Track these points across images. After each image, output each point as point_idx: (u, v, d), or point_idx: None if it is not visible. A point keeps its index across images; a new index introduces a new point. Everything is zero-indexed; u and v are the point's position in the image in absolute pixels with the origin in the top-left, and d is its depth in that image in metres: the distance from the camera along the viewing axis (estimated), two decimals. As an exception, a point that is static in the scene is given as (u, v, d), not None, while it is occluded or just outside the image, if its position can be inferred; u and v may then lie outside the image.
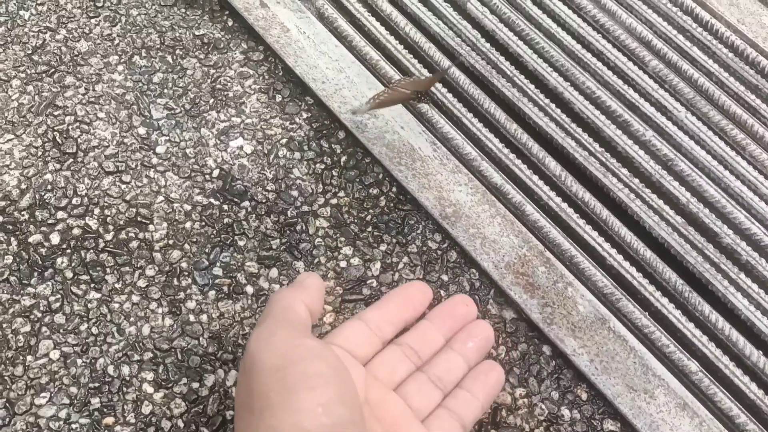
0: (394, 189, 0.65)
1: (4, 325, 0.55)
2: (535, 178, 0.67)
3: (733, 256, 0.64)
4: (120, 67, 0.68)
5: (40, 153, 0.62)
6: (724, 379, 0.58)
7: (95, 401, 0.53)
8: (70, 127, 0.64)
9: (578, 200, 0.66)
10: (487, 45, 0.74)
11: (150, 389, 0.54)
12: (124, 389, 0.54)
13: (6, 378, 0.53)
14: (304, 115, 0.68)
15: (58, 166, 0.62)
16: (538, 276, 0.61)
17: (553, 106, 0.71)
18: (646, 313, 0.60)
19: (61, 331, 0.55)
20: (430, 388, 0.42)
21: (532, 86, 0.72)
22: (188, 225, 0.61)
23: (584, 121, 0.71)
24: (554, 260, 0.62)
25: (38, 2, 0.70)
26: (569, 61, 0.74)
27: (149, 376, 0.55)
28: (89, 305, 0.57)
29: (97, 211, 0.60)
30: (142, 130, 0.65)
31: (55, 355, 0.54)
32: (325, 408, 0.32)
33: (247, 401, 0.34)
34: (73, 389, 0.53)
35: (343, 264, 0.61)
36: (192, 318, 0.57)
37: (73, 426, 0.52)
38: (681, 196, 0.66)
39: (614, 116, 0.71)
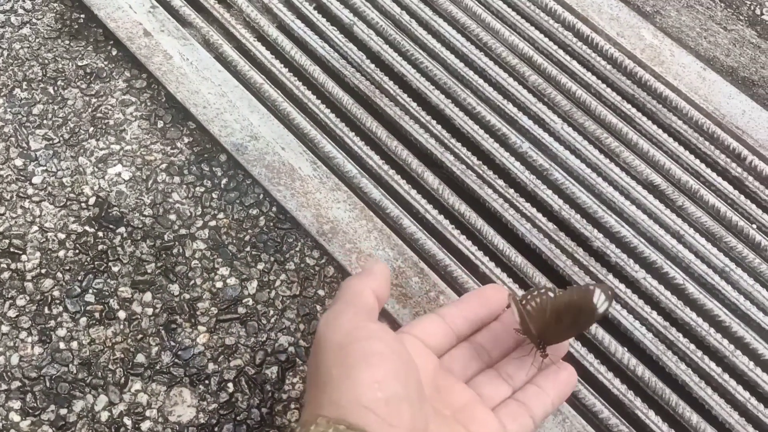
0: (273, 209, 0.66)
1: None
2: (414, 192, 0.68)
3: (603, 258, 0.66)
4: (0, 101, 0.68)
5: None
6: (589, 376, 0.59)
7: (-43, 434, 0.53)
8: (-57, 161, 0.64)
9: (455, 212, 0.68)
10: (372, 66, 0.77)
11: (17, 417, 0.54)
12: (-12, 420, 0.53)
13: None
14: (186, 140, 0.69)
15: (-71, 200, 0.62)
16: (411, 286, 0.62)
17: (434, 122, 0.73)
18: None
19: (-74, 365, 0.55)
20: (500, 382, 0.43)
21: (414, 104, 0.74)
22: (62, 253, 0.61)
23: (464, 136, 0.73)
24: (428, 270, 0.63)
25: None
26: (451, 79, 0.76)
27: (16, 404, 0.54)
28: (-45, 338, 0.56)
29: (-33, 243, 0.60)
30: (18, 162, 0.65)
31: None
32: (381, 384, 0.34)
33: (314, 376, 0.36)
34: (-65, 423, 0.53)
35: (219, 284, 0.61)
36: (62, 345, 0.57)
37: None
38: (554, 204, 0.69)
39: (493, 130, 0.73)
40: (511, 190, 0.69)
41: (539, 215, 0.68)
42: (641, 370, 0.59)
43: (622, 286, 0.64)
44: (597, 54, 0.80)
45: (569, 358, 0.60)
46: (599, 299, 0.41)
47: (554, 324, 0.42)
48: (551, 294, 0.43)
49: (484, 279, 0.64)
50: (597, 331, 0.61)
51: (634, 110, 0.76)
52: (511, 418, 0.40)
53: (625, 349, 0.61)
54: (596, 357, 0.60)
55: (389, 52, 0.78)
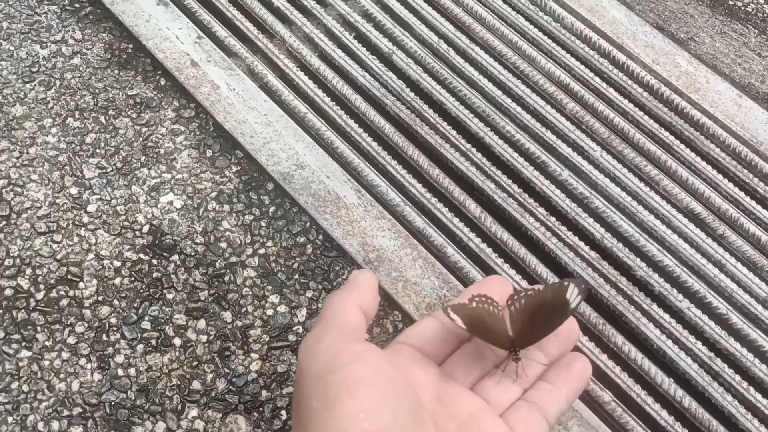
0: (320, 237, 0.68)
1: (-67, 388, 0.56)
2: (456, 220, 0.70)
3: (646, 288, 0.67)
4: (54, 130, 0.70)
5: (-28, 217, 0.64)
6: (636, 407, 0.60)
7: (22, 460, 0.54)
8: (3, 190, 0.66)
9: (497, 240, 0.69)
10: (411, 94, 0.78)
11: (78, 445, 0.55)
12: (51, 446, 0.55)
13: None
14: (234, 169, 0.71)
15: (-10, 228, 0.64)
16: (457, 316, 0.63)
17: (474, 150, 0.74)
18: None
19: (-10, 391, 0.57)
20: (507, 383, 0.39)
21: (454, 132, 0.76)
22: (118, 281, 0.63)
23: (504, 163, 0.74)
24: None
25: (-24, 70, 0.73)
26: (490, 107, 0.78)
27: (78, 430, 0.56)
28: (20, 363, 0.58)
29: (28, 271, 0.62)
30: (74, 190, 0.67)
31: (-17, 415, 0.56)
32: (367, 414, 0.31)
33: (296, 412, 0.33)
34: (1, 449, 0.54)
35: (270, 312, 0.63)
36: (120, 372, 0.59)
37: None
38: (596, 232, 0.70)
39: (532, 158, 0.74)
40: (553, 218, 0.70)
41: (581, 243, 0.69)
42: (687, 401, 0.60)
43: (666, 316, 0.65)
44: (633, 81, 0.81)
45: (618, 391, 0.61)
46: (572, 294, 0.38)
47: (528, 326, 0.39)
48: (522, 295, 0.40)
49: (528, 307, 0.65)
50: (643, 361, 0.62)
51: (671, 137, 0.77)
52: (522, 422, 0.37)
53: (672, 380, 0.61)
54: (643, 388, 0.61)
55: (428, 81, 0.79)
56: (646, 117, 0.78)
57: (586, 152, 0.75)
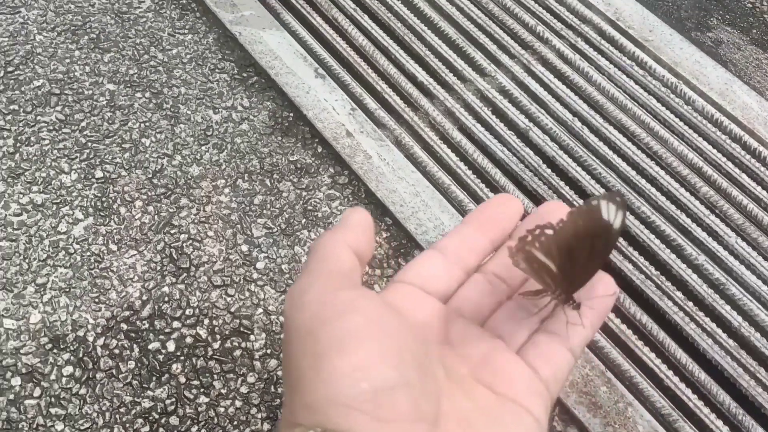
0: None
1: (127, 425, 0.63)
2: (595, 298, 0.73)
3: (785, 380, 0.68)
4: (226, 190, 0.78)
5: (158, 267, 0.72)
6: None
7: (202, 498, 0.60)
8: (184, 245, 0.73)
9: (636, 322, 0.72)
10: (548, 170, 0.82)
11: (249, 488, 0.61)
12: (228, 488, 0.60)
13: (127, 473, 0.61)
14: (384, 235, 0.76)
15: (173, 279, 0.71)
16: (600, 396, 0.66)
17: (610, 229, 0.78)
18: (702, 434, 0.64)
19: None
20: (523, 314, 0.34)
21: (590, 210, 0.79)
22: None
23: (640, 244, 0.77)
24: (615, 380, 0.67)
25: (157, 131, 0.82)
26: (624, 186, 0.81)
27: (248, 475, 0.62)
28: (199, 408, 0.64)
29: (206, 321, 0.69)
30: (244, 248, 0.74)
31: (168, 453, 0.62)
32: (364, 371, 0.26)
33: (285, 373, 0.28)
34: (184, 486, 0.60)
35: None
36: (286, 423, 0.64)
37: None
38: (733, 320, 0.71)
39: (668, 240, 0.77)
40: (690, 303, 0.72)
41: (719, 330, 0.71)
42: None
43: (807, 411, 0.66)
44: (765, 167, 0.83)
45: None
46: (610, 212, 0.31)
47: (570, 264, 0.31)
48: (549, 231, 0.32)
49: (667, 393, 0.67)
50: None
51: (806, 227, 0.78)
52: (542, 357, 0.31)
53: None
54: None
55: (564, 158, 0.84)
56: (779, 204, 0.80)
57: (721, 238, 0.77)
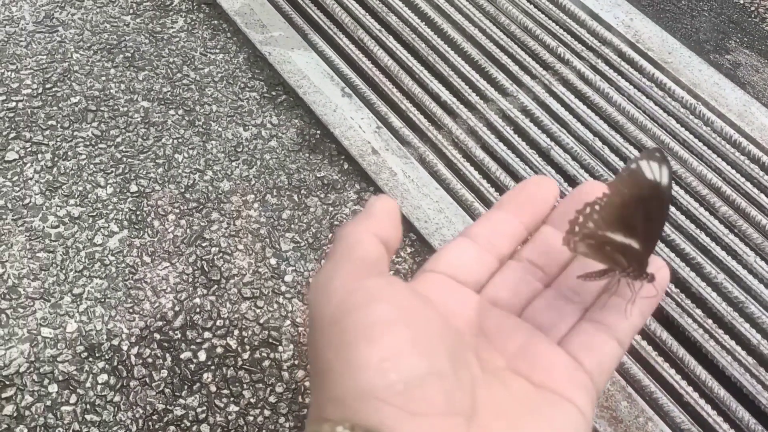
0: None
1: None
2: (616, 315, 0.74)
3: (805, 398, 0.69)
4: (255, 205, 0.80)
5: (190, 279, 0.74)
6: None
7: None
8: (215, 257, 0.76)
9: (656, 338, 0.73)
10: (570, 189, 0.84)
11: (277, 496, 0.63)
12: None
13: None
14: (409, 250, 0.78)
15: (205, 291, 0.73)
16: (621, 410, 0.67)
17: (630, 247, 0.79)
18: (723, 451, 0.65)
19: (205, 438, 0.65)
20: (563, 303, 0.31)
21: (610, 228, 0.81)
22: (311, 347, 0.71)
23: (660, 262, 0.78)
24: (635, 395, 0.68)
25: (189, 147, 0.84)
26: (644, 205, 0.83)
27: (276, 483, 0.63)
28: (229, 417, 0.66)
29: (236, 332, 0.71)
30: (273, 261, 0.76)
31: (199, 459, 0.64)
32: (393, 361, 0.25)
33: (312, 366, 0.27)
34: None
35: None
36: (313, 432, 0.66)
37: None
38: (752, 338, 0.72)
39: (688, 258, 0.78)
40: (710, 321, 0.74)
41: (738, 348, 0.72)
42: None
43: (827, 429, 0.66)
44: (784, 188, 0.84)
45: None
46: (653, 170, 0.29)
47: (631, 235, 0.29)
48: (597, 207, 0.29)
49: (687, 409, 0.68)
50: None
51: (825, 247, 0.79)
52: (586, 348, 0.29)
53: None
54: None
55: (584, 176, 0.85)
56: (798, 225, 0.81)
57: (740, 257, 0.78)
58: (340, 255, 0.29)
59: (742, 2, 1.10)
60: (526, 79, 0.94)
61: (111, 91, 0.88)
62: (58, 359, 0.69)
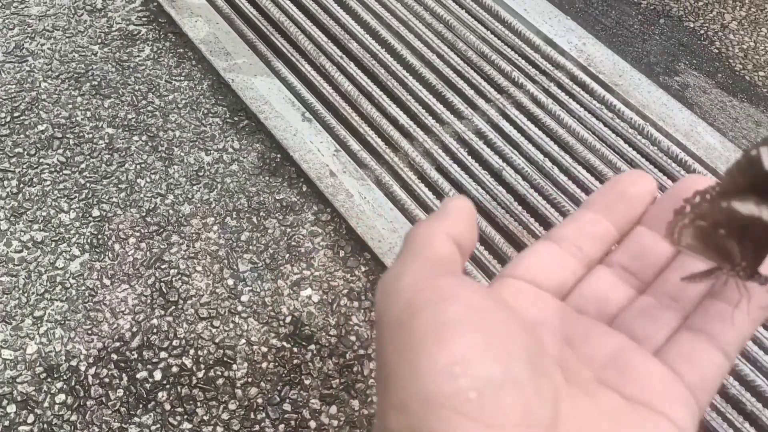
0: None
1: (115, 449, 0.67)
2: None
3: (738, 406, 0.71)
4: (215, 227, 0.83)
5: (148, 301, 0.76)
6: None
7: None
8: (173, 279, 0.78)
9: None
10: (519, 208, 0.87)
11: None
12: None
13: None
14: (363, 269, 0.81)
15: (162, 312, 0.76)
16: None
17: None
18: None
19: (159, 455, 0.67)
20: (660, 311, 0.28)
21: (559, 245, 0.84)
22: (264, 365, 0.73)
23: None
24: None
25: (152, 172, 0.87)
26: (592, 223, 0.86)
27: (228, 498, 0.65)
28: (182, 434, 0.68)
29: (192, 351, 0.73)
30: (230, 282, 0.79)
31: (152, 476, 0.66)
32: (464, 365, 0.23)
33: (378, 370, 0.26)
34: (166, 508, 0.64)
35: (392, 403, 0.71)
36: (265, 448, 0.68)
37: None
38: None
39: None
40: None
41: None
42: None
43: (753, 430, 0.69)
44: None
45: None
46: None
47: (744, 230, 0.26)
48: (707, 196, 0.27)
49: None
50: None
51: None
52: (687, 359, 0.26)
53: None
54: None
55: (534, 196, 0.88)
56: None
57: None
58: (410, 254, 0.26)
59: (692, 26, 1.14)
60: (480, 102, 0.98)
61: (77, 118, 0.91)
62: (18, 380, 0.71)
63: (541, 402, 0.23)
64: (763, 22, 1.16)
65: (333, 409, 0.70)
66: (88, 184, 0.85)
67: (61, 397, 0.70)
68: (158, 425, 0.68)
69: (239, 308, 0.77)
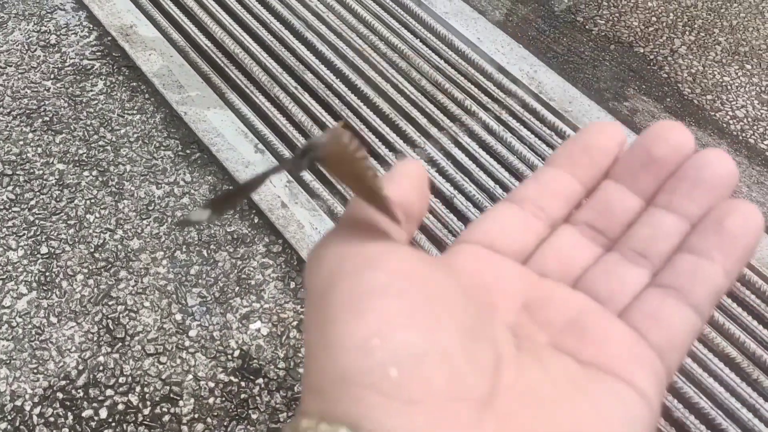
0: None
1: (56, 491, 0.66)
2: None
3: (682, 428, 0.72)
4: (164, 262, 0.83)
5: (95, 338, 0.76)
6: None
7: None
8: (120, 315, 0.78)
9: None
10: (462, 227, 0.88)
11: None
12: None
13: None
14: (313, 301, 0.81)
15: (109, 349, 0.75)
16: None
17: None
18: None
19: (102, 496, 0.66)
20: (626, 267, 0.25)
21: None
22: (211, 400, 0.73)
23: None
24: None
25: (101, 207, 0.87)
26: (541, 248, 0.87)
27: None
28: (126, 473, 0.68)
29: (138, 388, 0.73)
30: (178, 316, 0.78)
31: None
32: (384, 337, 0.20)
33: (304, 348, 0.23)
34: None
35: (340, 436, 0.71)
36: (210, 485, 0.68)
37: None
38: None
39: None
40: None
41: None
42: None
43: (703, 460, 0.70)
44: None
45: None
46: None
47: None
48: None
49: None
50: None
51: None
52: (653, 318, 0.24)
53: None
54: None
55: (472, 210, 0.90)
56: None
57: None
58: (344, 219, 0.24)
59: (642, 51, 1.17)
60: (433, 131, 0.99)
61: (28, 155, 0.91)
62: (-40, 423, 0.70)
63: (475, 372, 0.20)
64: (711, 46, 1.19)
65: (280, 444, 0.70)
66: (37, 221, 0.85)
67: (4, 439, 0.69)
68: (102, 465, 0.68)
69: (187, 343, 0.76)
